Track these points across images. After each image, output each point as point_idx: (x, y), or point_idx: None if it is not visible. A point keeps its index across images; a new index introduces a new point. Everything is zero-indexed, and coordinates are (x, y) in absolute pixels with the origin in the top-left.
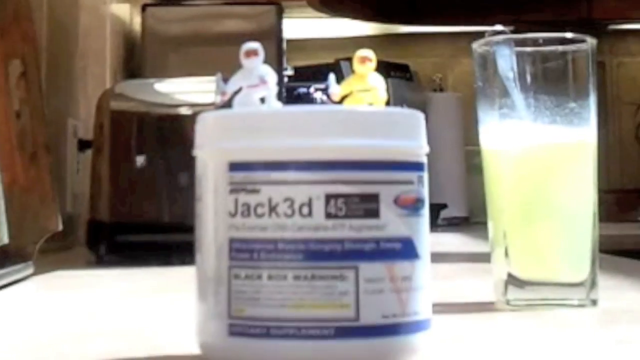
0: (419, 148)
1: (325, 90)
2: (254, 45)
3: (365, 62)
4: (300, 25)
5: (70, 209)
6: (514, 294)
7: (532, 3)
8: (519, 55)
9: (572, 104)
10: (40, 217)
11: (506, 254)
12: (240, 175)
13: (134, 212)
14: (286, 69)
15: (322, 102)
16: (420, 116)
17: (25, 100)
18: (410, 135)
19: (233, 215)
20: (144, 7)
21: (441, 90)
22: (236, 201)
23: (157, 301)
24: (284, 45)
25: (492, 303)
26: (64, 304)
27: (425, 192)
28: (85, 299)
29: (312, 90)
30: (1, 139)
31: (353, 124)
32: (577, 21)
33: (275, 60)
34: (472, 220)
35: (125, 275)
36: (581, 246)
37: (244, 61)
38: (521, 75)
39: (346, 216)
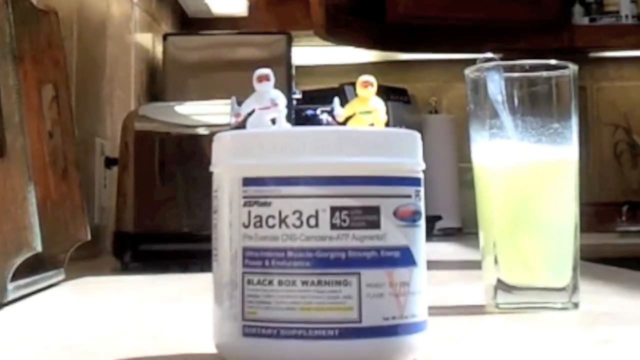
0: (416, 165)
1: (330, 112)
2: (266, 70)
3: (367, 87)
4: (308, 53)
5: (98, 220)
6: (502, 298)
7: (519, 33)
8: (508, 80)
9: (556, 125)
10: (71, 228)
11: (495, 261)
12: (253, 190)
13: (156, 223)
14: (295, 93)
15: (328, 123)
16: (417, 136)
17: (57, 121)
18: (408, 153)
19: (246, 226)
20: (165, 37)
21: (436, 112)
22: (249, 213)
23: (177, 305)
24: (293, 70)
25: (482, 306)
26: (92, 307)
27: (421, 205)
28: (111, 303)
29: (318, 112)
30: (35, 156)
31: (356, 143)
32: (560, 49)
33: (285, 84)
34: (465, 230)
35: (148, 281)
36: (564, 254)
37: (257, 85)
38: (509, 99)
39: (350, 227)
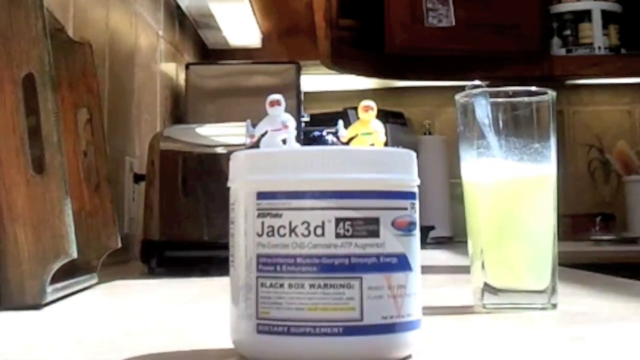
0: (412, 181)
1: (335, 134)
2: (277, 96)
3: (368, 111)
4: (315, 80)
5: (127, 230)
6: (489, 299)
7: (503, 62)
8: (493, 105)
9: (536, 145)
10: (103, 237)
11: (483, 266)
12: (266, 203)
13: (180, 232)
14: (303, 116)
15: (333, 143)
16: (412, 155)
17: (91, 141)
18: (404, 170)
19: (260, 235)
20: (187, 66)
21: (430, 133)
22: (262, 224)
23: (197, 305)
24: (302, 96)
25: (471, 307)
26: (122, 308)
27: (416, 216)
28: (139, 304)
29: (324, 133)
30: (71, 173)
31: (358, 161)
32: (540, 77)
33: (295, 108)
34: (455, 239)
35: (172, 284)
36: (544, 260)
37: (269, 109)
38: (495, 121)
39: (352, 236)
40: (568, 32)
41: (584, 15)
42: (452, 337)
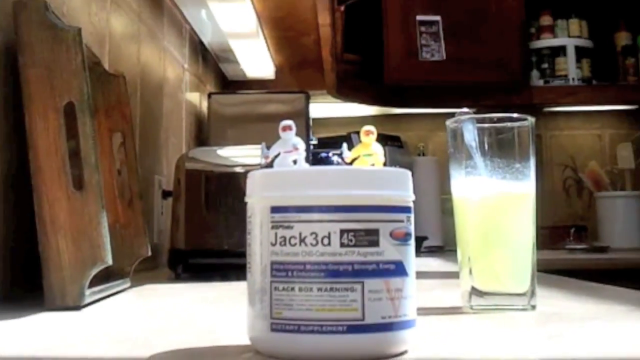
0: (408, 197)
1: (340, 155)
2: (289, 122)
3: (369, 135)
4: (322, 108)
5: (157, 240)
6: (475, 301)
7: (489, 92)
8: (480, 130)
9: (518, 165)
10: (135, 246)
11: (470, 272)
12: (279, 216)
13: (203, 242)
14: (312, 139)
15: (338, 164)
16: (408, 174)
17: (124, 162)
18: (401, 187)
19: (274, 244)
20: (209, 95)
21: (423, 154)
22: (276, 234)
23: (218, 306)
24: (311, 122)
25: (460, 308)
26: (151, 309)
27: (412, 228)
28: (166, 305)
29: (330, 154)
30: (107, 190)
31: (360, 179)
32: (521, 105)
33: (304, 133)
34: (446, 248)
35: (195, 288)
36: (524, 266)
37: (282, 134)
38: (481, 144)
39: (355, 245)
40: (545, 65)
41: (560, 50)
42: (443, 334)
